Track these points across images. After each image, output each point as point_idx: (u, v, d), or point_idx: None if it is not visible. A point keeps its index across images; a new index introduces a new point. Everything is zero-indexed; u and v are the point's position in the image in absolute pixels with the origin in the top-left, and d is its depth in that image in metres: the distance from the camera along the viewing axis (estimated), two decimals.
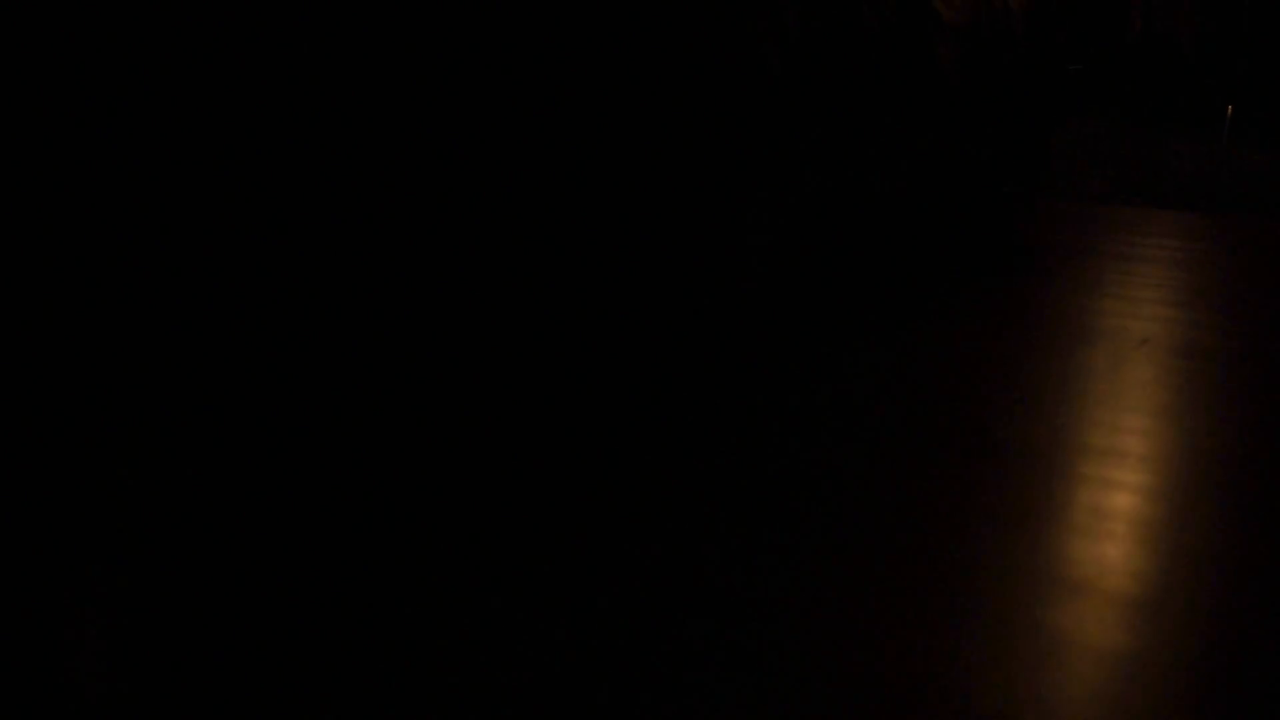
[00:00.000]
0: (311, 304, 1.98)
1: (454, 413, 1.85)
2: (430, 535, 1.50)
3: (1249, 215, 3.54)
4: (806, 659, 1.08)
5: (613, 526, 1.51)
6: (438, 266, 1.94)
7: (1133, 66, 5.05)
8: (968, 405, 1.95)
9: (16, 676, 1.36)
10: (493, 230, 1.87)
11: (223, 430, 2.09)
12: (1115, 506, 1.56)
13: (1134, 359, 2.19)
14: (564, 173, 1.84)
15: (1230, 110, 4.69)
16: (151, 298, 2.10)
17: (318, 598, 1.67)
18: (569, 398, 1.93)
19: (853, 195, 2.30)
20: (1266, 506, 1.50)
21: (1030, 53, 3.17)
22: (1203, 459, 1.75)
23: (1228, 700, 1.01)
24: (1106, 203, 3.69)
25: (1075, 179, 4.05)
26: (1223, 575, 1.30)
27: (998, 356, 2.20)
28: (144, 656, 1.51)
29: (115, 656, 1.47)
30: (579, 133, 1.82)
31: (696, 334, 1.86)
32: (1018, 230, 3.25)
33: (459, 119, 1.84)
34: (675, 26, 1.80)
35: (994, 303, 2.56)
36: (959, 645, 1.10)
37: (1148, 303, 2.58)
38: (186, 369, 2.08)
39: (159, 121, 2.03)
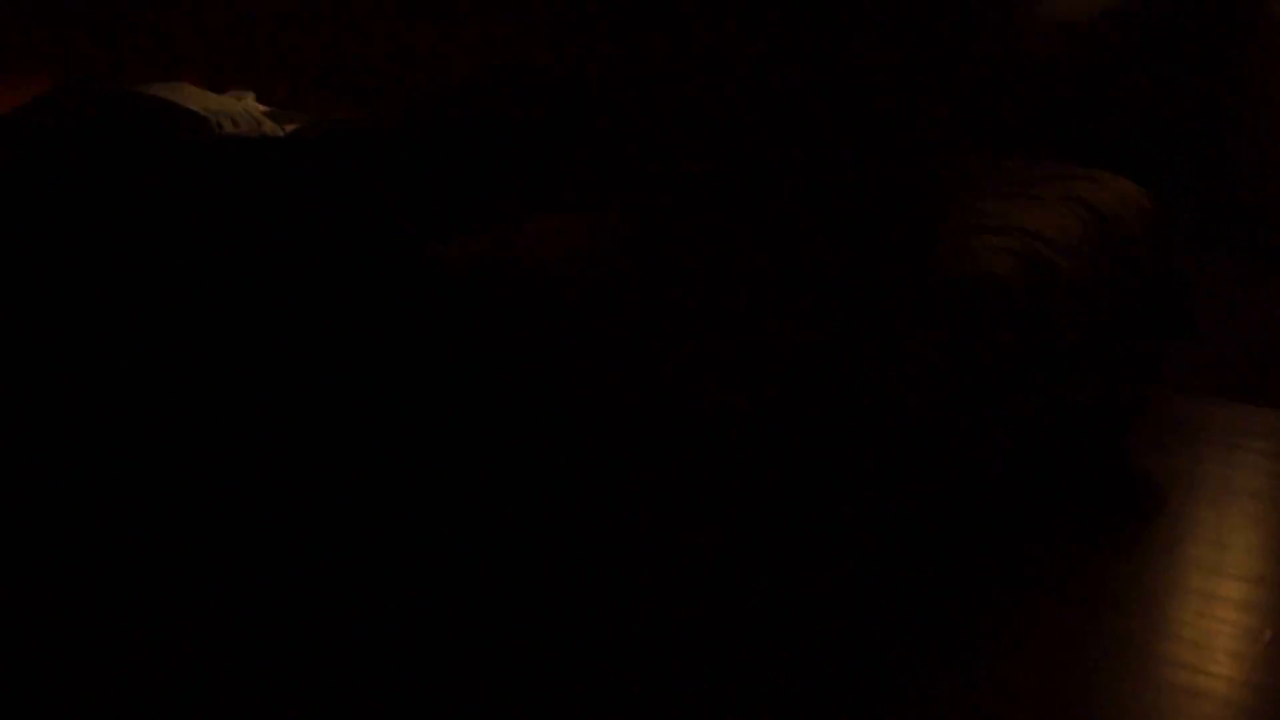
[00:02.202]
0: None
1: None
2: None
3: None
4: None
5: None
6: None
7: (1239, 205, 5.00)
8: None
9: None
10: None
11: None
12: None
13: (1258, 664, 2.20)
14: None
15: None
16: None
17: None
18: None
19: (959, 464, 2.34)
20: None
21: (1153, 277, 3.18)
22: None
23: None
24: (1216, 393, 3.63)
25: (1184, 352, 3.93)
26: None
27: (1098, 676, 2.16)
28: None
29: None
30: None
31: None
32: (1123, 457, 3.21)
33: None
34: None
35: (1096, 588, 2.53)
36: None
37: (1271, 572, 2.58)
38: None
39: None
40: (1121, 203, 3.15)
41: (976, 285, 2.27)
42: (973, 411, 2.25)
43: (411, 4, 4.10)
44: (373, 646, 1.99)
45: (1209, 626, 2.36)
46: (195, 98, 3.33)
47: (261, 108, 3.69)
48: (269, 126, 3.37)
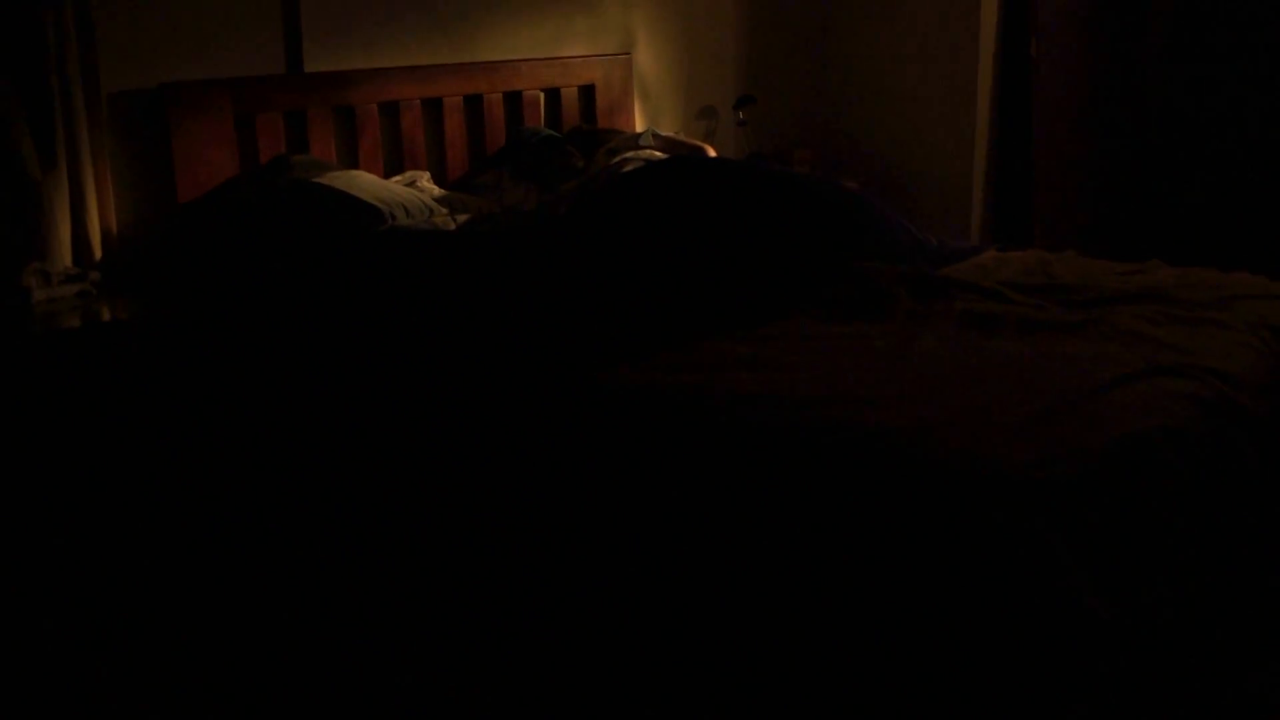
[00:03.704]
0: None
1: None
2: None
3: None
4: None
5: None
6: None
7: None
8: None
9: None
10: None
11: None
12: None
13: None
14: None
15: None
16: None
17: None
18: None
19: None
20: None
21: None
22: None
23: None
24: None
25: None
26: None
27: None
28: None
29: None
30: None
31: None
32: None
33: None
34: None
35: None
36: None
37: None
38: None
39: None
40: None
41: (1151, 439, 2.15)
42: (1143, 556, 2.13)
43: None
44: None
45: None
46: (369, 186, 3.39)
47: (436, 190, 3.74)
48: (440, 217, 3.41)
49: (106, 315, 3.05)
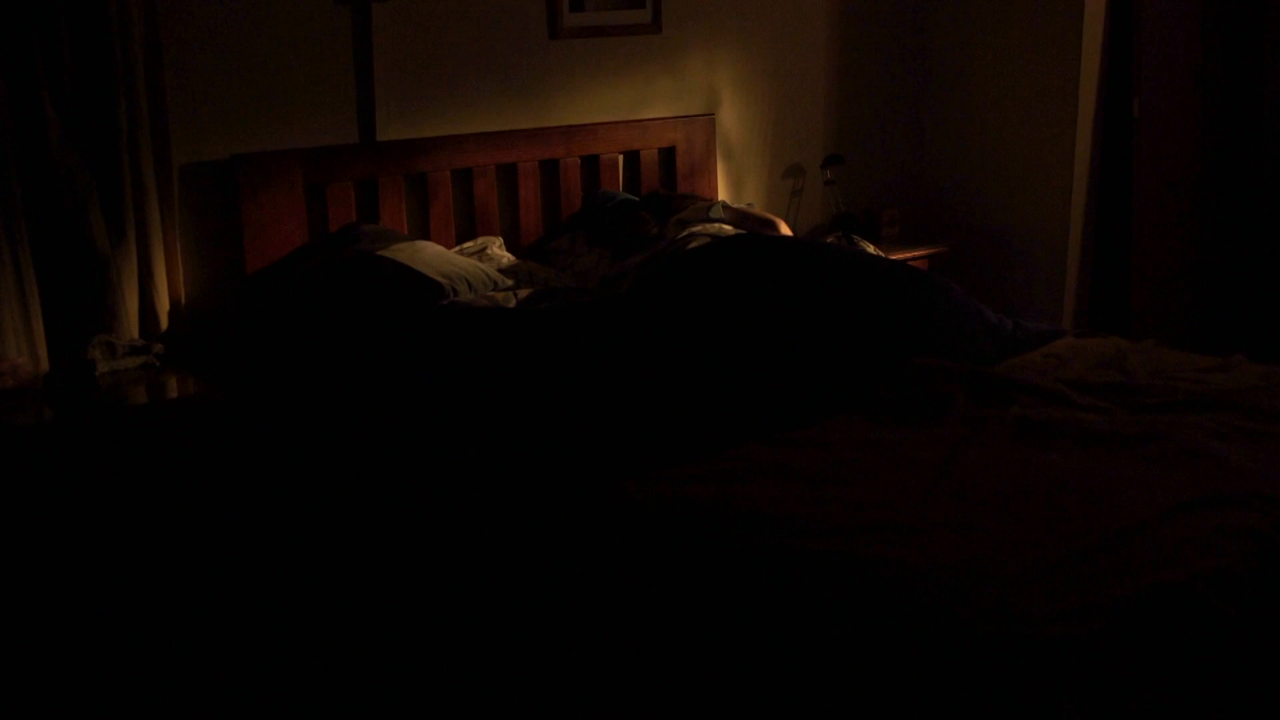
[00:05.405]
0: None
1: None
2: None
3: None
4: None
5: None
6: None
7: None
8: None
9: None
10: None
11: None
12: None
13: None
14: None
15: None
16: None
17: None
18: None
19: None
20: None
21: None
22: None
23: None
24: None
25: None
26: None
27: None
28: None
29: None
30: None
31: None
32: None
33: None
34: None
35: None
36: None
37: None
38: None
39: None
40: None
41: (1193, 586, 2.03)
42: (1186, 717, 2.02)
43: None
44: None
45: None
46: (433, 259, 3.39)
47: (506, 257, 3.73)
48: (502, 292, 3.39)
49: (170, 387, 3.11)
